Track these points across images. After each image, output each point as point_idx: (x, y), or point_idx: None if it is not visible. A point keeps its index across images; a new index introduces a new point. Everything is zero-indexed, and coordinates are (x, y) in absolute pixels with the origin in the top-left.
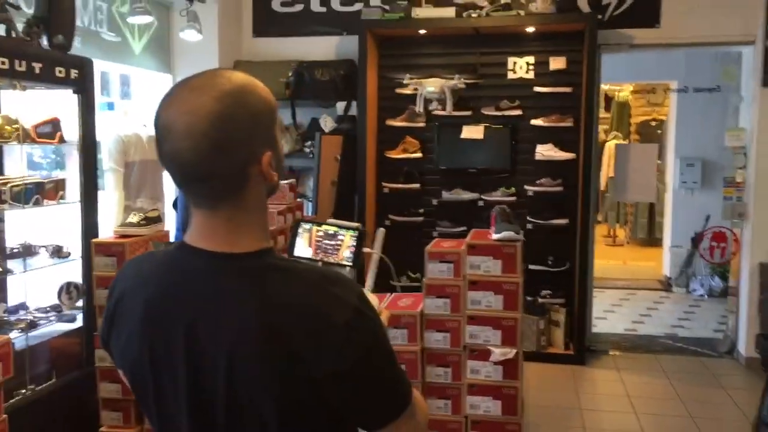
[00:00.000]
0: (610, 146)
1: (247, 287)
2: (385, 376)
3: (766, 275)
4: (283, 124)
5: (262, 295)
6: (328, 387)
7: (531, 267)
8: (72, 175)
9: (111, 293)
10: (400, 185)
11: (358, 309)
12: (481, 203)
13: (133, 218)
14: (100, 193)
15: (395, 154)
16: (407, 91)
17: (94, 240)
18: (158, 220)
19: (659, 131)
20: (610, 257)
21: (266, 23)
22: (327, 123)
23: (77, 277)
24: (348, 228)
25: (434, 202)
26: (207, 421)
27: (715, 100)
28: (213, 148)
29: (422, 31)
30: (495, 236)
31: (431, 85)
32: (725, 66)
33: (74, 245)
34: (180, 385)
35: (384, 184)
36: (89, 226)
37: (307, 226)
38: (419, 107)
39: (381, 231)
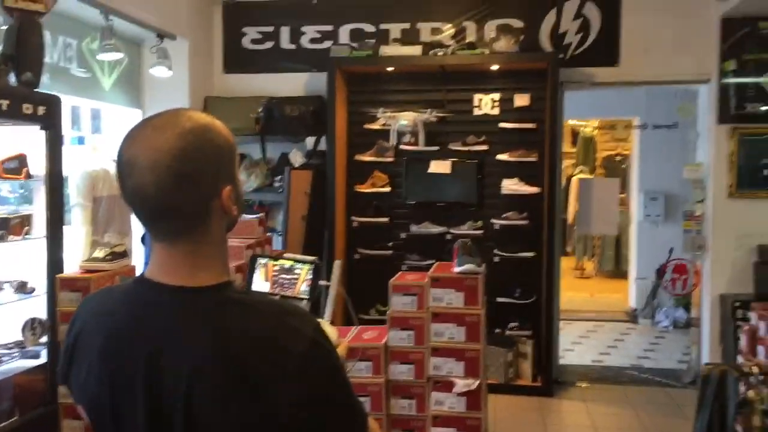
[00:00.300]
0: (576, 180)
1: (206, 321)
2: (341, 406)
3: (726, 306)
4: (252, 159)
5: (220, 328)
6: (286, 417)
7: (498, 299)
8: (39, 210)
9: (70, 329)
10: (369, 219)
11: (314, 340)
12: (449, 236)
13: (99, 253)
14: (67, 229)
15: (364, 189)
16: (376, 126)
17: (58, 275)
18: (125, 254)
19: (624, 166)
20: (578, 289)
21: (236, 60)
22: (296, 158)
23: (42, 313)
24: (304, 261)
25: (403, 235)
26: None
27: (675, 135)
28: (176, 182)
29: (390, 69)
30: (457, 269)
31: (404, 119)
32: (681, 103)
33: (39, 281)
34: (140, 420)
35: (353, 218)
36: (54, 262)
37: (263, 260)
38: (392, 140)
39: (338, 263)
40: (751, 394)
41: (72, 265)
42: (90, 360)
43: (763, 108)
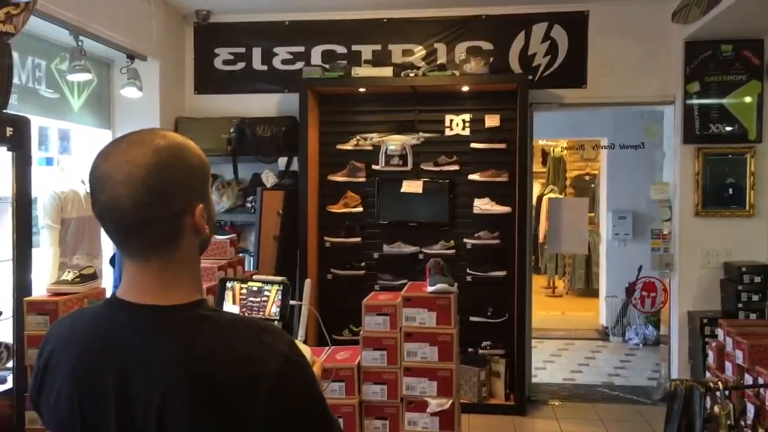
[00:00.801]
0: (546, 199)
1: (175, 339)
2: (317, 422)
3: (694, 323)
4: (224, 180)
5: (192, 346)
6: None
7: (471, 318)
8: (5, 232)
9: (41, 353)
10: (341, 239)
11: (288, 357)
12: (421, 256)
13: (68, 275)
14: (35, 251)
15: (337, 209)
16: (348, 146)
17: (26, 298)
18: (94, 277)
19: (593, 185)
20: (550, 308)
21: (208, 80)
22: (269, 178)
23: (8, 337)
24: (273, 282)
25: (375, 255)
26: None
27: (642, 156)
28: (150, 196)
29: (362, 89)
30: (429, 289)
31: (393, 143)
32: (647, 124)
33: (5, 304)
34: None
35: (326, 238)
36: (21, 284)
37: (230, 284)
38: (381, 163)
39: (308, 282)
40: (716, 409)
41: (40, 287)
42: (60, 383)
43: (727, 128)
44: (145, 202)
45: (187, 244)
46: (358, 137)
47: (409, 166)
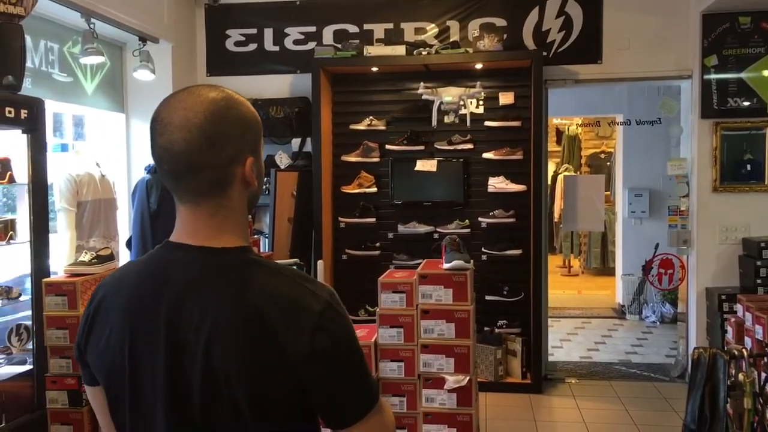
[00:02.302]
0: (562, 177)
1: (227, 276)
2: (354, 368)
3: (712, 299)
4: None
5: (241, 283)
6: (302, 370)
7: (487, 297)
8: (23, 215)
9: (92, 300)
10: (356, 220)
11: (330, 304)
12: (436, 236)
13: (85, 257)
14: (51, 236)
15: (351, 189)
16: (362, 126)
17: (44, 279)
18: (111, 258)
19: (608, 163)
20: (566, 287)
21: (220, 62)
22: (282, 160)
23: (27, 319)
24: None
25: (390, 235)
26: (183, 415)
27: (659, 131)
28: (205, 141)
29: (374, 69)
30: (445, 266)
31: (448, 95)
32: (663, 99)
33: (23, 286)
34: (158, 375)
35: (340, 219)
36: (40, 267)
37: None
38: (434, 121)
39: (320, 263)
40: (741, 376)
41: (57, 270)
42: (112, 324)
43: (745, 103)
44: (199, 146)
45: (237, 194)
46: (422, 85)
47: (468, 123)
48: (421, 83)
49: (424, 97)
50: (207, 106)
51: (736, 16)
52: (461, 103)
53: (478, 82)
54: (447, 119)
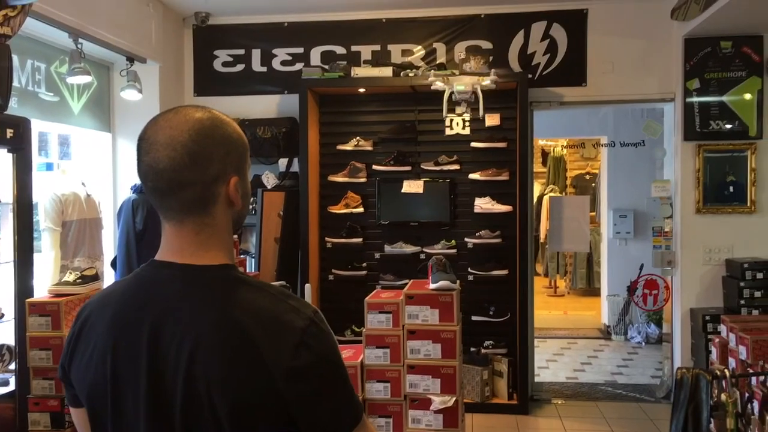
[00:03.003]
0: (547, 198)
1: (211, 293)
2: (338, 385)
3: (696, 320)
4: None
5: (224, 299)
6: (284, 386)
7: (473, 318)
8: (7, 235)
9: (77, 319)
10: (342, 240)
11: (313, 320)
12: (423, 256)
13: (69, 277)
14: (36, 255)
15: (337, 210)
16: (348, 147)
17: (28, 300)
18: (95, 278)
19: (593, 184)
20: (552, 307)
21: (208, 83)
22: (269, 179)
23: (10, 339)
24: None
25: (377, 255)
26: (165, 430)
27: (643, 153)
28: (189, 159)
29: (361, 90)
30: (432, 286)
31: (460, 83)
32: (647, 121)
33: (7, 306)
34: (140, 392)
35: (327, 239)
36: (23, 287)
37: None
38: (445, 111)
39: (308, 287)
40: (723, 397)
41: (41, 291)
42: (95, 341)
43: (727, 125)
44: (183, 164)
45: (221, 212)
46: (432, 73)
47: (481, 113)
48: (432, 71)
49: (433, 87)
50: (192, 125)
51: (718, 41)
52: (473, 92)
53: (493, 69)
54: (459, 110)
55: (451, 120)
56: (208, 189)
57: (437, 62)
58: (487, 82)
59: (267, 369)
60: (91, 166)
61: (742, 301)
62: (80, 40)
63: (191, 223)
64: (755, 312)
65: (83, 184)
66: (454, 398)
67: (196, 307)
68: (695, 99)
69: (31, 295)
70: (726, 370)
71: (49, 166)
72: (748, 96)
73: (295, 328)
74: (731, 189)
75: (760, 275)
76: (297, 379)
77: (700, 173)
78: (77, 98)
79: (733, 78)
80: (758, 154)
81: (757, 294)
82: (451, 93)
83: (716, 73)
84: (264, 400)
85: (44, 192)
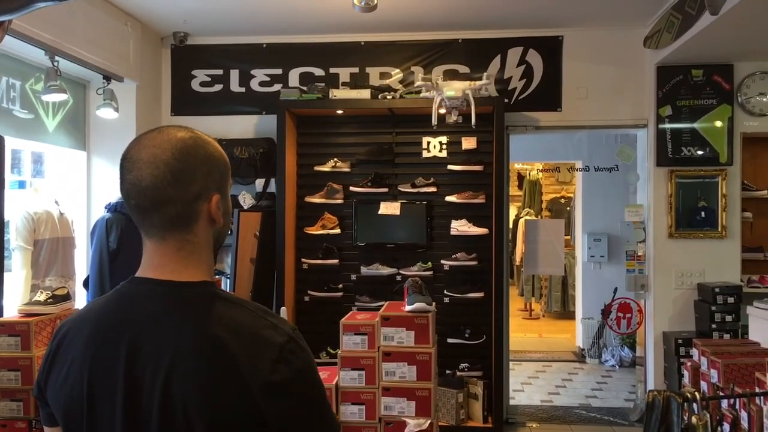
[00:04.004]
0: (523, 221)
1: (191, 309)
2: (316, 402)
3: (669, 344)
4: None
5: (202, 315)
6: (262, 402)
7: (449, 340)
8: None
9: (54, 336)
10: (319, 261)
11: (292, 337)
12: (399, 278)
13: (40, 296)
14: (6, 275)
15: (314, 231)
16: (326, 168)
17: None
18: (67, 297)
19: (568, 208)
20: (527, 330)
21: (185, 102)
22: (246, 200)
23: None
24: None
25: (353, 277)
26: None
27: (616, 178)
28: (171, 176)
29: (339, 112)
30: (408, 308)
31: (450, 89)
32: (621, 147)
33: None
34: (116, 408)
35: (303, 260)
36: None
37: None
38: (434, 119)
39: (283, 310)
40: (694, 419)
41: (11, 311)
42: (73, 354)
43: (699, 152)
44: (165, 181)
45: (202, 230)
46: (420, 77)
47: (473, 122)
48: (420, 74)
49: (423, 95)
50: (175, 144)
51: (689, 69)
52: (465, 99)
53: (485, 73)
54: (449, 119)
55: (428, 142)
56: (190, 206)
57: (415, 85)
58: (481, 84)
59: (245, 385)
60: (64, 184)
61: (714, 325)
62: (56, 58)
63: (173, 240)
64: (726, 336)
65: (56, 202)
66: (429, 421)
67: (175, 324)
68: (667, 125)
69: (1, 315)
70: (697, 393)
71: (21, 184)
72: (718, 123)
73: (274, 344)
74: (703, 214)
75: (731, 299)
76: (275, 395)
77: (672, 198)
78: (52, 116)
79: (704, 105)
80: (728, 180)
81: (728, 318)
82: (441, 100)
83: (688, 101)
84: (241, 418)
85: (16, 210)
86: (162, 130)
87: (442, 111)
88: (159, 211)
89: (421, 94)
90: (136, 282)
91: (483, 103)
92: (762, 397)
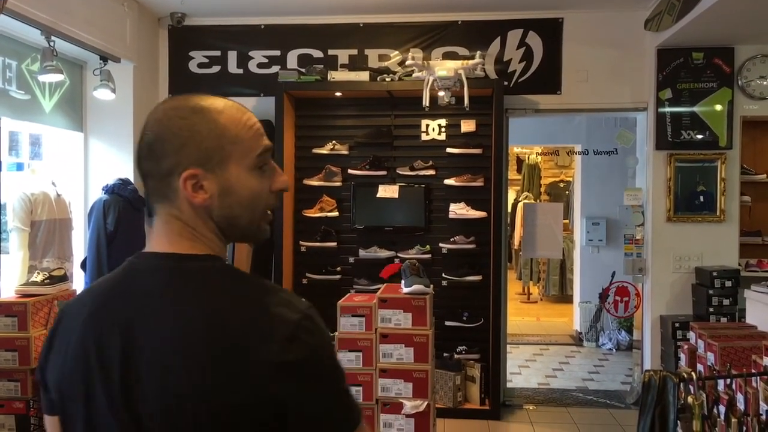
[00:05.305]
0: (522, 205)
1: (193, 283)
2: (335, 383)
3: (666, 327)
4: None
5: (206, 288)
6: (274, 384)
7: (447, 323)
8: None
9: (58, 315)
10: (317, 244)
11: (308, 314)
12: (397, 260)
13: (37, 277)
14: (3, 255)
15: (312, 213)
16: (324, 150)
17: None
18: (64, 278)
19: (567, 191)
20: (525, 314)
21: (183, 84)
22: None
23: None
24: None
25: (351, 260)
26: (139, 429)
27: (616, 162)
28: (147, 150)
29: (338, 94)
30: (405, 290)
31: (443, 69)
32: (620, 130)
33: None
34: (113, 387)
35: (301, 243)
36: None
37: None
38: (425, 101)
39: None
40: (690, 399)
41: (8, 290)
42: (74, 330)
43: (698, 135)
44: (142, 154)
45: (186, 207)
46: (410, 56)
47: (466, 103)
48: (410, 53)
49: (415, 75)
50: (158, 115)
51: (690, 52)
52: (458, 79)
53: (479, 51)
54: (441, 101)
55: (427, 125)
56: (164, 181)
57: (406, 63)
58: (474, 63)
59: (253, 366)
60: (62, 165)
61: (711, 309)
62: (53, 38)
63: (161, 213)
64: (723, 319)
65: (53, 183)
66: (426, 403)
67: (176, 301)
68: (667, 109)
69: None
70: (693, 373)
71: (19, 166)
72: (718, 107)
73: (288, 321)
74: (701, 198)
75: (728, 283)
76: (288, 376)
77: (671, 182)
78: (49, 97)
79: (704, 89)
80: (728, 164)
81: (726, 302)
82: (433, 81)
83: (688, 84)
84: (251, 402)
85: (14, 191)
86: (180, 97)
87: (441, 93)
88: (146, 184)
89: (414, 75)
90: (140, 256)
91: (482, 85)
92: (758, 379)
